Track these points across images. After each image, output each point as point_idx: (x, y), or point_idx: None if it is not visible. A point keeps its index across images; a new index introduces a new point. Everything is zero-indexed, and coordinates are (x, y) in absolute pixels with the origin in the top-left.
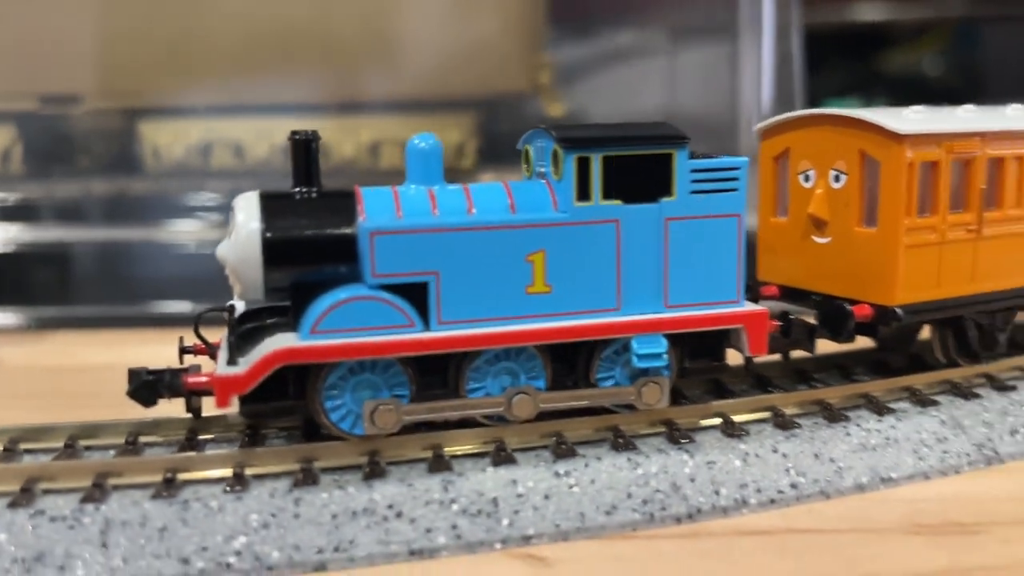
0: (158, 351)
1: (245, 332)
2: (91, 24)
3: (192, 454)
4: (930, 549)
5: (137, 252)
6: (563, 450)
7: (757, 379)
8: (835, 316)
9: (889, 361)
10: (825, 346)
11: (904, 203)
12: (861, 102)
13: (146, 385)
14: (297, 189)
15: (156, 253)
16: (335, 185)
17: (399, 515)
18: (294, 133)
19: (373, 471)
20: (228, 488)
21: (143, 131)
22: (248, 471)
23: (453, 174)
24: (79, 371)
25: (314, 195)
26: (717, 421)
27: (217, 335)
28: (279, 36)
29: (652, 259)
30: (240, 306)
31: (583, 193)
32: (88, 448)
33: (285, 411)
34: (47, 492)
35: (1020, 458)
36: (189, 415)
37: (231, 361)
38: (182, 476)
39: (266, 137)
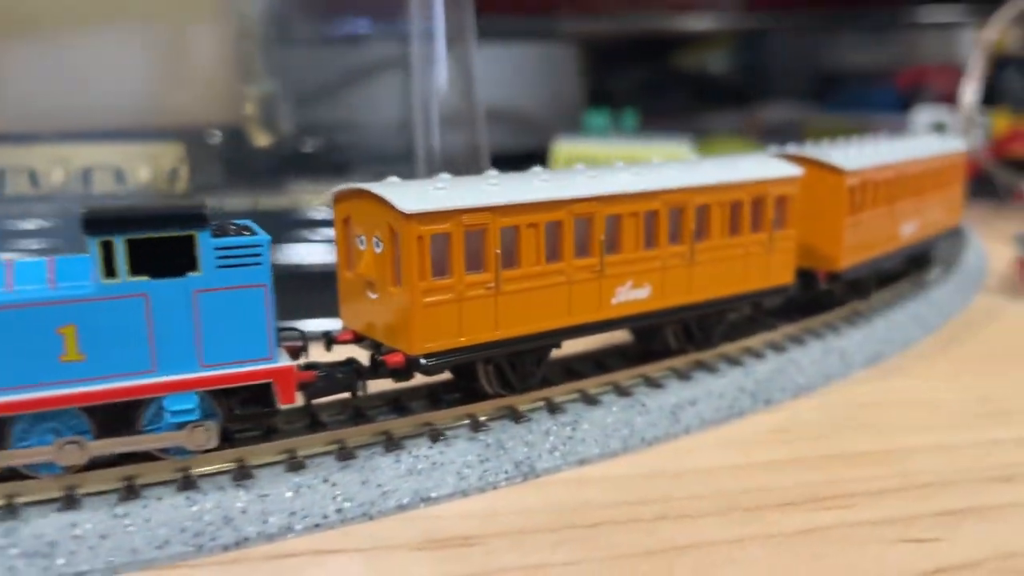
0: None
1: None
2: None
3: None
4: (427, 561)
5: None
6: (126, 493)
7: (357, 412)
8: (373, 362)
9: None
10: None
11: (417, 269)
12: (612, 113)
13: None
14: None
15: None
16: None
17: None
18: None
19: None
20: None
21: None
22: None
23: (168, 198)
24: None
25: None
26: (284, 457)
27: None
28: None
29: (184, 326)
30: None
31: (110, 272)
32: None
33: None
34: None
35: (554, 472)
36: None
37: None
38: None
39: None
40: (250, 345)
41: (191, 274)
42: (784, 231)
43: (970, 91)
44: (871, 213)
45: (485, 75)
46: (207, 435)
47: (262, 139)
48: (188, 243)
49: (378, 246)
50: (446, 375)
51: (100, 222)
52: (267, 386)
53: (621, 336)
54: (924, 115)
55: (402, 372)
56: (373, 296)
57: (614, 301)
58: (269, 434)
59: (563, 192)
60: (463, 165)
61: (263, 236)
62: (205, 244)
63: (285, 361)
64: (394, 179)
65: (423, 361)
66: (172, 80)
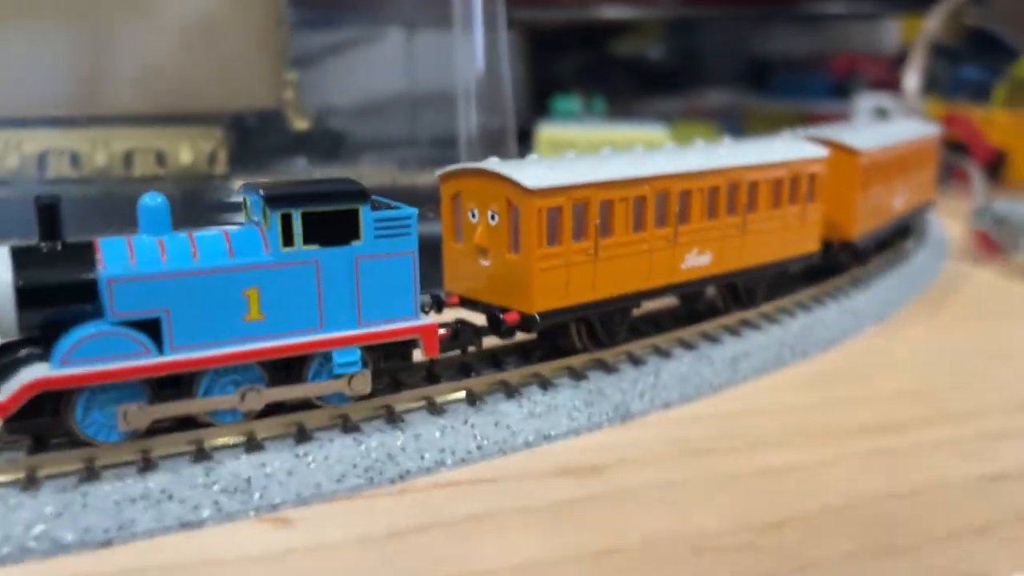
0: None
1: (5, 364)
2: None
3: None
4: (566, 485)
5: None
6: (302, 436)
7: (462, 366)
8: (494, 320)
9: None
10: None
11: (536, 238)
12: (582, 98)
13: None
14: (42, 243)
15: None
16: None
17: (170, 497)
18: (38, 198)
19: (146, 465)
20: (23, 487)
21: None
22: (40, 472)
23: (207, 180)
24: None
25: (58, 248)
26: (424, 403)
27: None
28: None
29: (347, 289)
30: None
31: (288, 240)
32: None
33: (44, 427)
34: None
35: (645, 414)
36: None
37: None
38: (41, 472)
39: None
40: (400, 305)
41: (354, 243)
42: (814, 204)
43: (912, 79)
44: (876, 189)
45: (436, 61)
46: (365, 383)
47: (300, 123)
48: (353, 216)
49: (493, 218)
50: (531, 335)
51: (280, 198)
52: (406, 342)
53: (667, 300)
54: (866, 101)
55: (518, 329)
56: (485, 263)
57: (683, 266)
58: (398, 385)
59: (646, 170)
60: (491, 147)
61: (411, 209)
62: (366, 216)
63: (427, 320)
64: (494, 159)
65: (538, 318)
66: (213, 65)
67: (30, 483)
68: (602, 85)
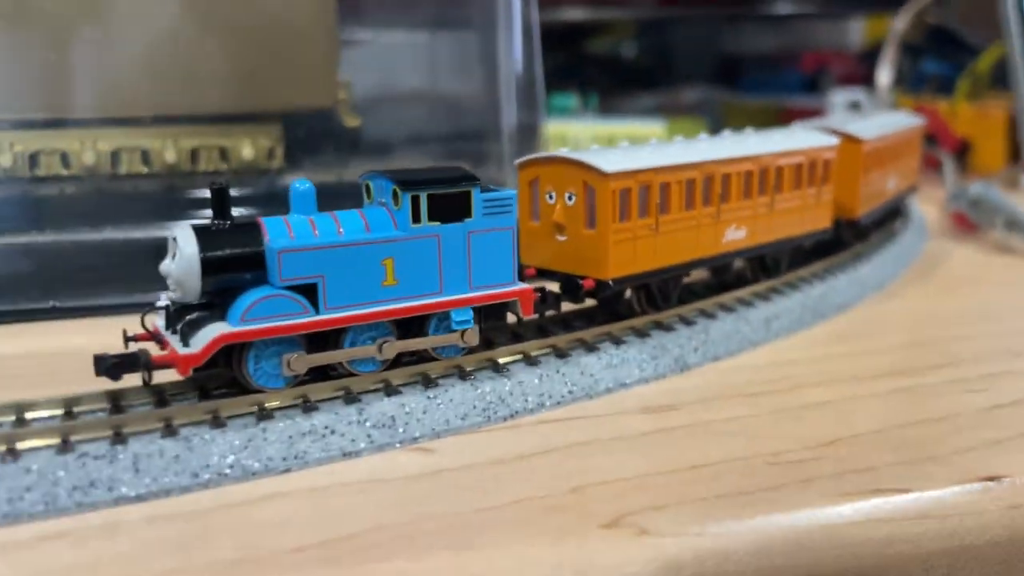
0: None
1: (188, 324)
2: None
3: (182, 405)
4: (649, 419)
5: None
6: (430, 382)
7: (539, 328)
8: (571, 286)
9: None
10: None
11: (611, 215)
12: (577, 95)
13: (116, 364)
14: (215, 221)
15: None
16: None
17: (333, 432)
18: (212, 183)
19: (309, 407)
20: (212, 426)
21: None
22: (223, 413)
23: (265, 174)
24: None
25: (227, 225)
26: (520, 356)
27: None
28: None
29: (461, 259)
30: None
31: (416, 218)
32: (81, 413)
33: (219, 377)
34: (79, 442)
35: (699, 365)
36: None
37: (184, 344)
38: (176, 421)
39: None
40: (502, 272)
41: (467, 220)
42: (827, 186)
43: (884, 74)
44: (875, 173)
45: (472, 60)
46: (475, 336)
47: (352, 121)
48: (467, 197)
49: (571, 199)
50: (591, 302)
51: (411, 183)
52: (500, 304)
53: (701, 274)
54: (840, 96)
55: (593, 294)
56: (561, 238)
57: (724, 240)
58: (490, 343)
59: (695, 157)
60: (523, 142)
61: (512, 191)
62: (477, 197)
63: (523, 284)
64: (564, 150)
65: (611, 283)
66: (274, 67)
67: (216, 423)
68: (578, 84)
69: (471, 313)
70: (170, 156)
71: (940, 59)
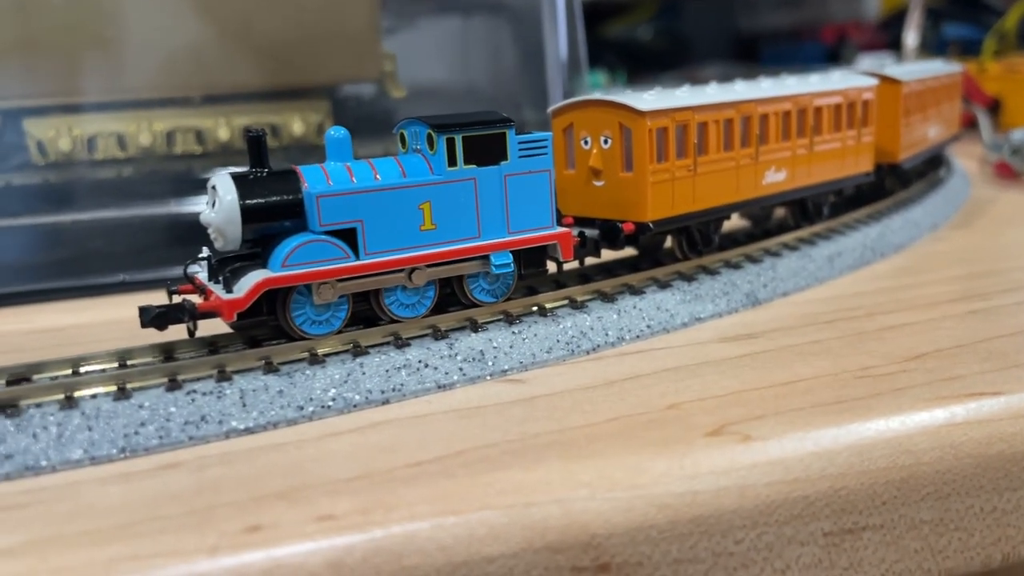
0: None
1: (231, 272)
2: None
3: (280, 344)
4: (731, 347)
5: None
6: (513, 319)
7: (581, 275)
8: (611, 232)
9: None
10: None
11: (648, 155)
12: (605, 73)
13: (161, 314)
14: (253, 170)
15: None
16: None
17: (427, 366)
18: (247, 130)
19: (400, 343)
20: (311, 363)
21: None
22: (320, 351)
23: (316, 150)
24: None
25: (265, 173)
26: (595, 294)
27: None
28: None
29: (498, 202)
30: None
31: (452, 161)
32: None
33: (261, 323)
34: (185, 381)
35: (770, 300)
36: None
37: (228, 290)
38: (276, 359)
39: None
40: (540, 216)
41: (503, 162)
42: (867, 129)
43: (912, 37)
44: (915, 117)
45: (473, 45)
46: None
47: (397, 93)
48: (502, 139)
49: (606, 143)
50: (630, 251)
51: (446, 126)
52: (541, 250)
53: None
54: (866, 63)
55: (633, 237)
56: (598, 184)
57: (764, 182)
58: (533, 291)
59: (733, 96)
60: None
61: (547, 133)
62: (512, 139)
63: (562, 228)
64: (597, 93)
65: (651, 226)
66: (323, 41)
67: (315, 360)
68: (599, 65)
69: (510, 257)
70: (223, 134)
71: (962, 22)
